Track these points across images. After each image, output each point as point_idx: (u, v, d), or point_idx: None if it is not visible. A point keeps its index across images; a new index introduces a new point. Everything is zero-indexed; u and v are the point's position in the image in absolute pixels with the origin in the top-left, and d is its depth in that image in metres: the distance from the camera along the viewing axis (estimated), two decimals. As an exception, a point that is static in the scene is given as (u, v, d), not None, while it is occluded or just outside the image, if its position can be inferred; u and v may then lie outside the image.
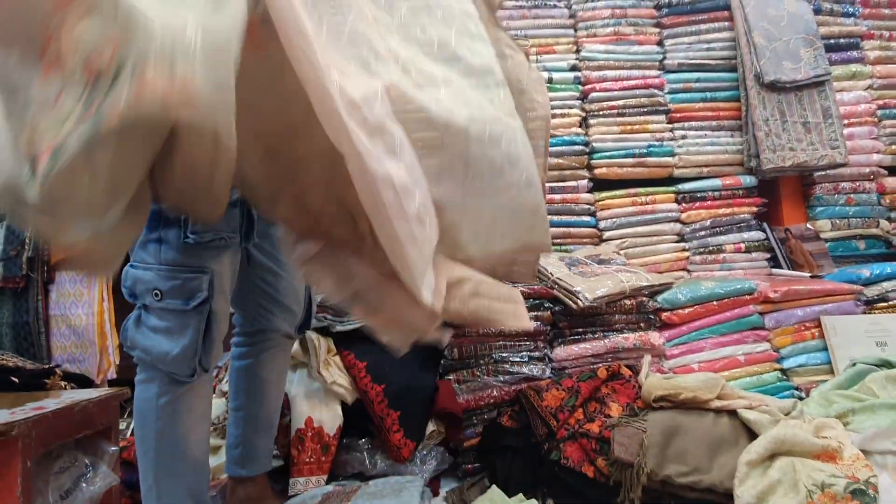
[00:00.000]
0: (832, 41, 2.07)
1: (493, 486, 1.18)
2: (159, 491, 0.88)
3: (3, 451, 0.85)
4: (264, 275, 1.06)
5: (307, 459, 1.25)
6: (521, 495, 1.15)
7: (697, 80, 2.05)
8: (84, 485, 1.01)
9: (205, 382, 0.92)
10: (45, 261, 1.87)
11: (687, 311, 1.54)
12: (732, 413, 1.19)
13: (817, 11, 2.08)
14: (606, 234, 1.95)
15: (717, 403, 1.20)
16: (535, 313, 1.49)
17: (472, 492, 1.25)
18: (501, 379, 1.44)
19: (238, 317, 1.12)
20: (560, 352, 1.49)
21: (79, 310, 1.81)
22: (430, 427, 1.34)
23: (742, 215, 2.00)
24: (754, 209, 2.03)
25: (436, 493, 1.29)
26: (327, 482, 1.25)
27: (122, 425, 1.80)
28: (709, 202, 1.99)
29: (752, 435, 1.12)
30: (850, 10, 2.13)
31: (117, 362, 1.83)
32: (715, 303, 1.56)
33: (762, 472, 1.02)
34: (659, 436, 1.13)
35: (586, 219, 1.96)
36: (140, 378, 0.90)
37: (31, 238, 1.86)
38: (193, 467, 0.90)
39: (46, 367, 1.57)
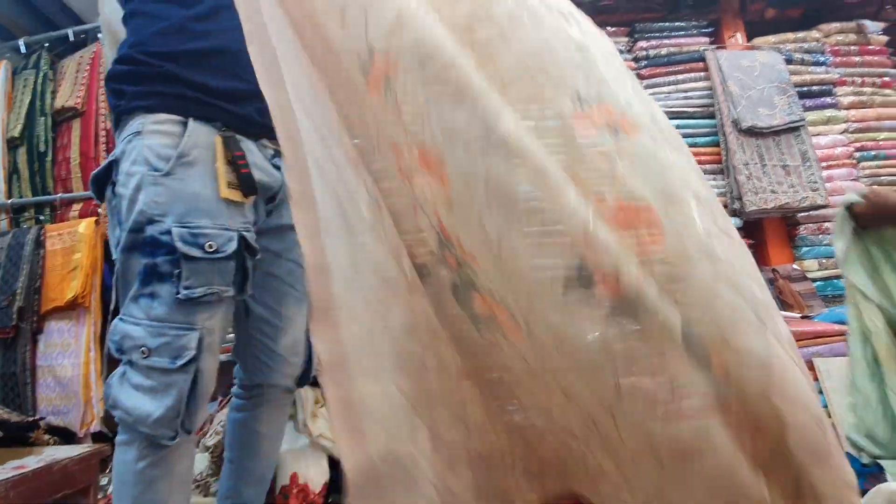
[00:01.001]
0: (805, 88, 2.16)
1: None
2: None
3: (-23, 516, 0.83)
4: (263, 327, 1.04)
5: (291, 518, 1.21)
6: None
7: (678, 127, 2.12)
8: (57, 551, 0.98)
9: (187, 444, 0.89)
10: (35, 310, 1.87)
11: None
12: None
13: (789, 61, 2.18)
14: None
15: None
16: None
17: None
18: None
19: (238, 368, 1.11)
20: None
21: (65, 360, 1.80)
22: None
23: (729, 256, 2.02)
24: (741, 250, 2.05)
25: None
26: (312, 542, 1.20)
27: (104, 480, 1.75)
28: (695, 244, 2.01)
29: None
30: (821, 59, 2.24)
31: (101, 415, 1.79)
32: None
33: None
34: None
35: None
36: (120, 440, 0.87)
37: (22, 288, 1.86)
38: None
39: (31, 419, 1.54)
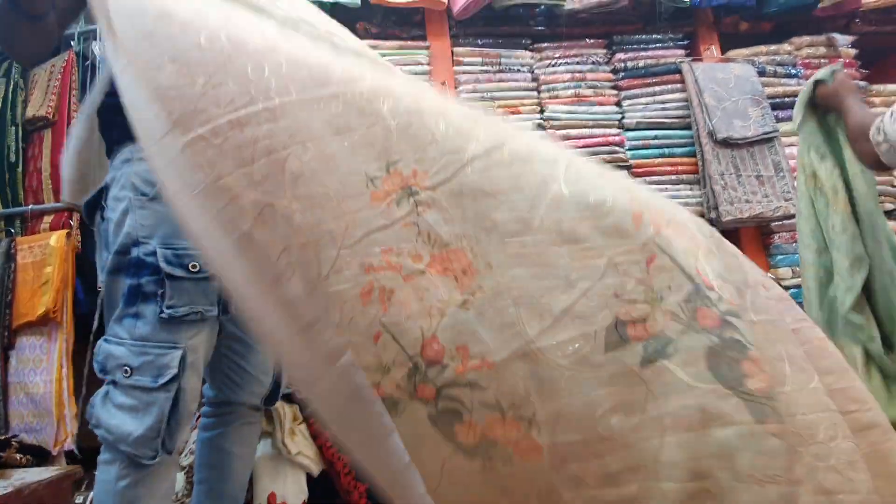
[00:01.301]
0: (778, 100, 2.21)
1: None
2: None
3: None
4: (233, 344, 1.04)
5: (269, 539, 1.19)
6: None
7: (655, 138, 2.16)
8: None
9: (168, 464, 0.88)
10: (6, 325, 1.82)
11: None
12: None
13: (762, 73, 2.23)
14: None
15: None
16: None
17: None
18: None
19: (206, 387, 1.10)
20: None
21: (37, 377, 1.75)
22: (399, 497, 1.30)
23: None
24: (717, 258, 2.09)
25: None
26: (290, 563, 1.19)
27: (80, 499, 1.71)
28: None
29: None
30: (792, 71, 2.29)
31: (74, 432, 1.75)
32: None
33: None
34: None
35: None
36: (102, 458, 0.86)
37: (-9, 303, 1.81)
38: None
39: (3, 438, 1.51)
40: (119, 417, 0.82)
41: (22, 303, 1.81)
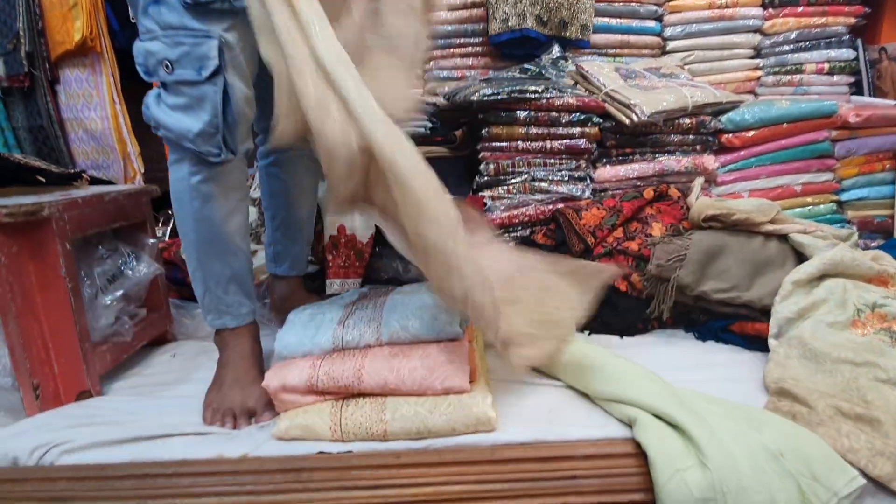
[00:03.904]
0: None
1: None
2: (203, 272, 0.90)
3: (38, 232, 0.84)
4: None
5: (342, 263, 1.27)
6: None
7: None
8: (129, 271, 1.04)
9: (236, 170, 0.88)
10: (44, 56, 1.72)
11: (752, 133, 1.39)
12: (783, 237, 1.13)
13: None
14: (671, 45, 1.68)
15: (769, 227, 1.13)
16: (582, 129, 1.35)
17: (502, 300, 1.28)
18: (538, 197, 1.37)
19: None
20: (603, 172, 1.39)
21: (92, 112, 1.72)
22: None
23: (836, 27, 1.69)
24: (852, 21, 1.70)
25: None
26: (361, 286, 1.29)
27: (160, 233, 1.86)
28: (801, 8, 1.66)
29: (802, 259, 1.08)
30: None
31: (142, 171, 1.80)
32: (785, 125, 1.39)
33: (808, 292, 0.99)
34: (701, 254, 1.09)
35: (650, 24, 1.67)
36: (171, 159, 0.86)
37: (24, 30, 1.68)
38: (234, 251, 0.90)
39: (73, 171, 1.55)
40: (174, 117, 0.81)
41: (55, 30, 1.67)
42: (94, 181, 1.69)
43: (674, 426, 0.72)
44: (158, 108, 0.82)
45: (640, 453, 0.70)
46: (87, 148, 1.81)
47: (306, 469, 0.70)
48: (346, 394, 0.78)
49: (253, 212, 1.43)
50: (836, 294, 0.96)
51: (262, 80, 0.96)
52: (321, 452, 0.73)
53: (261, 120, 1.01)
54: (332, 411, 0.77)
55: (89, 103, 1.73)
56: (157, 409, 0.87)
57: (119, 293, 0.98)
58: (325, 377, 0.77)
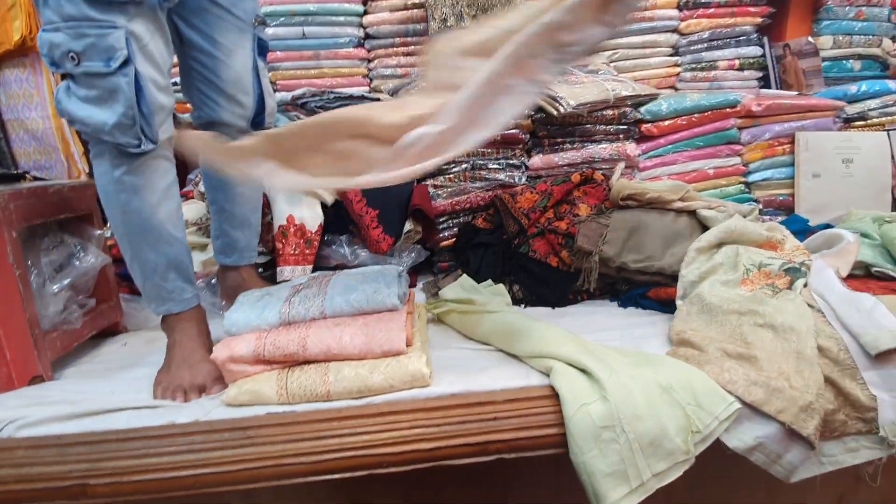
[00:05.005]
0: None
1: (464, 275, 1.29)
2: (139, 263, 0.91)
3: (-16, 221, 0.87)
4: (199, 56, 0.97)
5: (291, 251, 1.32)
6: (489, 281, 1.27)
7: None
8: (76, 262, 1.07)
9: (160, 157, 0.88)
10: (-17, 57, 1.70)
11: (667, 122, 1.53)
12: (692, 213, 1.27)
13: None
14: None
15: (679, 205, 1.26)
16: (516, 120, 1.46)
17: (446, 281, 1.36)
18: (478, 185, 1.47)
19: (192, 113, 1.07)
20: (536, 160, 1.50)
21: (33, 113, 1.71)
22: (408, 226, 1.41)
23: (744, 27, 1.87)
24: (759, 20, 1.89)
25: (413, 286, 1.42)
26: (312, 272, 1.35)
27: (108, 234, 1.84)
28: (713, 9, 1.84)
29: (707, 231, 1.21)
30: None
31: (87, 171, 1.79)
32: (696, 116, 1.54)
33: (708, 258, 1.12)
34: (621, 230, 1.21)
35: (578, 25, 1.81)
36: (92, 154, 0.87)
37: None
38: (168, 239, 0.90)
39: (16, 172, 1.54)
40: (88, 110, 0.79)
41: (-7, 30, 1.65)
42: (38, 181, 1.67)
43: (583, 370, 0.82)
44: (70, 101, 0.80)
45: (555, 395, 0.80)
46: (29, 149, 1.79)
47: (254, 426, 0.76)
48: (292, 362, 0.85)
49: (200, 208, 1.46)
50: (729, 257, 1.09)
51: (192, 69, 0.99)
52: (269, 413, 0.80)
53: (183, 86, 1.01)
54: (279, 377, 0.83)
55: (30, 103, 1.72)
56: (109, 389, 0.90)
57: (67, 282, 1.01)
58: (272, 346, 0.83)
